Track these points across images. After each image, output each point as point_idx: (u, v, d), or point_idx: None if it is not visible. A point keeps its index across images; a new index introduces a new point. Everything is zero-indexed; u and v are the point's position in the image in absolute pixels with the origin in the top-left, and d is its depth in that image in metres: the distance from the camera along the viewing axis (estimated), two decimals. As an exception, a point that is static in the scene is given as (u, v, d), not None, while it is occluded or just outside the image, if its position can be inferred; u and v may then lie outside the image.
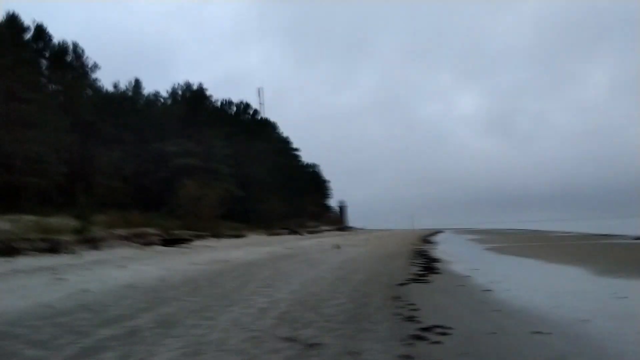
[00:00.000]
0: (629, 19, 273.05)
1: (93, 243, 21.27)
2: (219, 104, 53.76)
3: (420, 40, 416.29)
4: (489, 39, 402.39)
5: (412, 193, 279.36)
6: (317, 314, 7.07)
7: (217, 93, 57.67)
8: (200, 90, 45.91)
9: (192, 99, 45.06)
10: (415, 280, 11.81)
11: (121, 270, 12.05)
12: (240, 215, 49.81)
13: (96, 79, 43.20)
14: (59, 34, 40.60)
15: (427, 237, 52.34)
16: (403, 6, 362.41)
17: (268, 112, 75.45)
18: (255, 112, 61.26)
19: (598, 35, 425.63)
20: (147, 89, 48.57)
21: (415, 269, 14.89)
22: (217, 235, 33.19)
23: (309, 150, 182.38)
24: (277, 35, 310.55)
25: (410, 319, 6.89)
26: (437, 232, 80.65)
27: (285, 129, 71.02)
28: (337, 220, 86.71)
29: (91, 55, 41.29)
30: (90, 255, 18.44)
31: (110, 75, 48.57)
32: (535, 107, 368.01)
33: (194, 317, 6.70)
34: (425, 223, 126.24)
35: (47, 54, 39.28)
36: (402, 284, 10.96)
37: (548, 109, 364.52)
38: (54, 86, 39.65)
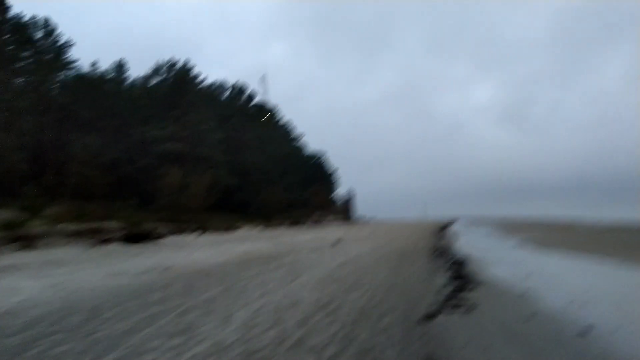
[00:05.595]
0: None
1: (27, 241, 16.96)
2: (210, 86, 48.93)
3: (439, 32, 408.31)
4: (505, 29, 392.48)
5: (426, 182, 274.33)
6: None
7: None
8: (186, 68, 41.05)
9: (177, 78, 40.26)
10: (447, 307, 7.19)
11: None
12: (236, 205, 45.29)
13: (71, 59, 38.45)
14: (82, 31, 36.03)
15: (443, 228, 47.50)
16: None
17: (282, 103, 70.44)
18: (251, 96, 56.21)
19: (614, 24, 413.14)
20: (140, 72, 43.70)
21: (441, 280, 10.25)
22: (203, 228, 28.72)
23: (325, 141, 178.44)
24: (299, 29, 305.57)
25: None
26: (451, 221, 75.91)
27: (304, 121, 66.01)
28: (344, 210, 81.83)
29: (117, 52, 36.95)
30: (12, 258, 14.05)
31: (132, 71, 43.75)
32: (550, 97, 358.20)
33: None
34: (438, 212, 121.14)
35: (8, 29, 34.71)
36: (427, 318, 6.35)
37: (563, 99, 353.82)
38: (20, 64, 35.41)
